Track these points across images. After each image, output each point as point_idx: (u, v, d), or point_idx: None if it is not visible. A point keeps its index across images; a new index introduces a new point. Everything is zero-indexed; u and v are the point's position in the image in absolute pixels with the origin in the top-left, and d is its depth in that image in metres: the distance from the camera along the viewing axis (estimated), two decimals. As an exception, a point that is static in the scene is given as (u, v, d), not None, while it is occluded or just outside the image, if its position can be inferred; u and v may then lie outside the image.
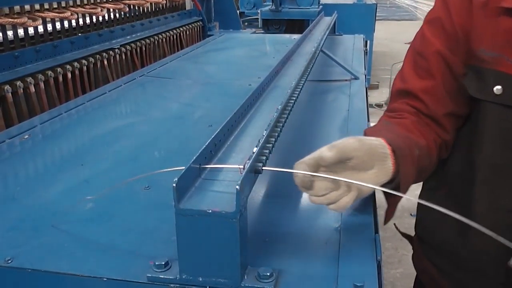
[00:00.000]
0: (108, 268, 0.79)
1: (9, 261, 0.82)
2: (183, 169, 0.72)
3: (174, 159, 1.27)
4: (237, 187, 0.67)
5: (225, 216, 0.68)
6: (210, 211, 0.68)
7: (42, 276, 0.80)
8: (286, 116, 1.05)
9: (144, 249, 0.85)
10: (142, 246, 0.86)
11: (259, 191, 1.05)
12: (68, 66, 2.18)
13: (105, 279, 0.77)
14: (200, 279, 0.73)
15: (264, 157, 0.82)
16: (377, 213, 0.95)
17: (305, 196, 1.04)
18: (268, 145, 0.86)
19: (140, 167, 1.24)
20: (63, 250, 0.86)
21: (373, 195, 0.99)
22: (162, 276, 0.75)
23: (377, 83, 7.18)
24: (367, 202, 0.98)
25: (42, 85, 2.02)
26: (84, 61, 2.30)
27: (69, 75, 2.19)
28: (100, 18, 2.59)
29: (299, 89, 1.27)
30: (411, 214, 3.49)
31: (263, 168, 0.80)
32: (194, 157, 0.77)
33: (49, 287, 0.81)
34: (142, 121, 1.64)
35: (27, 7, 2.02)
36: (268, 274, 0.73)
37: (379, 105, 6.23)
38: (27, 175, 1.25)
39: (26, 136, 1.46)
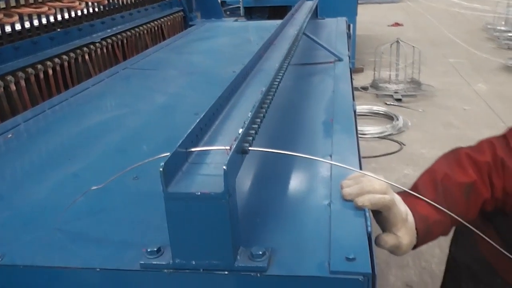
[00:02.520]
0: (100, 259, 0.79)
1: (0, 258, 0.81)
2: (169, 155, 0.72)
3: (163, 149, 1.25)
4: (224, 167, 0.67)
5: (214, 198, 0.68)
6: (199, 193, 0.68)
7: (35, 272, 0.80)
8: (271, 97, 1.05)
9: (135, 238, 0.84)
10: (133, 235, 0.86)
11: (247, 172, 1.05)
12: (49, 63, 2.15)
13: (98, 269, 0.77)
14: (193, 263, 0.73)
15: (251, 138, 0.81)
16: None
17: (293, 175, 1.05)
18: (254, 126, 0.86)
19: (129, 158, 1.23)
20: (54, 244, 0.85)
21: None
22: (155, 262, 0.75)
23: (362, 66, 7.19)
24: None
25: (23, 82, 1.99)
26: (65, 56, 2.27)
27: (50, 71, 2.16)
28: (79, 12, 2.55)
29: (283, 71, 1.27)
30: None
31: (250, 148, 0.79)
32: (180, 141, 0.77)
33: (42, 282, 0.80)
34: (127, 114, 1.62)
35: (2, 3, 1.98)
36: (261, 253, 0.73)
37: (365, 88, 6.25)
38: (14, 174, 1.23)
39: (10, 135, 1.44)
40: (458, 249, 1.47)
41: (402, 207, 0.94)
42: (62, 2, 2.29)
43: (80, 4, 2.38)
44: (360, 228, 0.81)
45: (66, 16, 2.45)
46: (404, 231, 0.92)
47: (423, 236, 0.97)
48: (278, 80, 1.17)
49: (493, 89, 6.14)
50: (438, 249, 2.89)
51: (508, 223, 1.17)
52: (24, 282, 0.81)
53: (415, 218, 0.96)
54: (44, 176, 1.16)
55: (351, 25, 5.39)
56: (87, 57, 2.44)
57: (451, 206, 1.02)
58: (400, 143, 4.55)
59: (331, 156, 1.10)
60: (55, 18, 2.35)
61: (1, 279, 0.82)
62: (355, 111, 1.42)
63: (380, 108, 5.45)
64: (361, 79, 6.58)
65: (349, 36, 2.96)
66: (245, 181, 1.01)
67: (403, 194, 0.99)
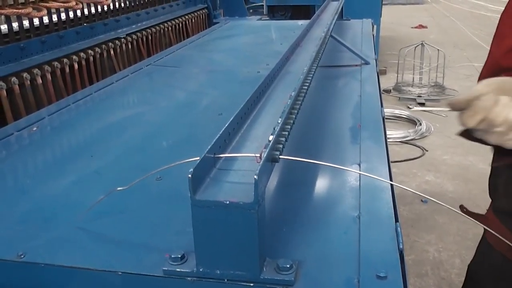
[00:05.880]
0: (122, 262, 0.78)
1: (22, 256, 0.80)
2: (197, 160, 0.70)
3: (184, 148, 1.25)
4: (255, 177, 0.64)
5: (243, 207, 0.65)
6: (228, 202, 0.66)
7: (56, 271, 0.79)
8: (300, 102, 1.02)
9: (158, 241, 0.83)
10: (156, 239, 0.84)
11: (273, 179, 1.02)
12: (74, 57, 2.16)
13: (119, 273, 0.75)
14: (218, 272, 0.71)
15: (281, 145, 0.79)
16: (396, 202, 0.92)
17: (320, 184, 1.02)
18: (284, 133, 0.83)
19: (150, 157, 1.22)
20: (75, 244, 0.84)
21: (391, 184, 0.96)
22: (179, 269, 0.73)
23: (385, 68, 7.10)
24: (386, 190, 0.95)
25: (49, 76, 2.00)
26: (90, 51, 2.28)
27: (76, 65, 2.17)
28: (105, 8, 2.56)
29: (311, 75, 1.24)
30: (421, 200, 3.46)
31: (280, 157, 0.77)
32: (209, 147, 0.74)
33: (63, 281, 0.79)
34: (150, 111, 1.62)
35: (31, -3, 1.99)
36: (288, 265, 0.71)
37: (387, 91, 6.16)
38: (36, 168, 1.23)
39: (35, 128, 1.45)
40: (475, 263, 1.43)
41: None
42: (89, -3, 2.30)
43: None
44: (391, 243, 0.77)
45: (92, 11, 2.47)
46: None
47: None
48: (307, 84, 1.14)
49: (519, 96, 5.99)
50: (459, 259, 2.83)
51: None
52: (44, 281, 0.80)
53: None
54: (66, 172, 1.15)
55: (375, 26, 5.34)
56: (112, 52, 2.45)
57: None
58: (423, 149, 4.47)
59: (359, 165, 1.06)
60: (82, 13, 2.36)
61: (22, 277, 0.81)
62: (383, 117, 1.38)
63: (402, 112, 5.37)
64: (384, 82, 6.48)
65: (373, 37, 2.91)
66: (271, 188, 0.98)
67: None
